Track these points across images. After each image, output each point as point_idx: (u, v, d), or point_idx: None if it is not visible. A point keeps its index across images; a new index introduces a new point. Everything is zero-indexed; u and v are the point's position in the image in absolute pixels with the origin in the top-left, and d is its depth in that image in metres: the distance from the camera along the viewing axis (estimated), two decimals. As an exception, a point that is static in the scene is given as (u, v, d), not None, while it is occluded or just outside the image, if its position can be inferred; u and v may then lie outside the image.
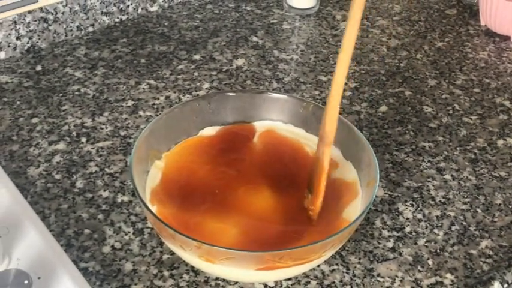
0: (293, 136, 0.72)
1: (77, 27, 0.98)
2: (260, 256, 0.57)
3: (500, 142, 0.83)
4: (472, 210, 0.74)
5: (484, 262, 0.68)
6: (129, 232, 0.69)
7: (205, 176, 0.67)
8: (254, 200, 0.65)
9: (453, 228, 0.72)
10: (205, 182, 0.67)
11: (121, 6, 1.01)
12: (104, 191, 0.73)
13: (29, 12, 0.92)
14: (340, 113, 0.83)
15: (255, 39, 1.00)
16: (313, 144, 0.71)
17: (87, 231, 0.69)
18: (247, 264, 0.58)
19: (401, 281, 0.66)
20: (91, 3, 0.98)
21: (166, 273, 0.65)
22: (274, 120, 0.74)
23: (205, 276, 0.65)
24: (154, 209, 0.63)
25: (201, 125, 0.73)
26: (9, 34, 0.92)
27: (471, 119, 0.87)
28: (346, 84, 0.91)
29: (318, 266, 0.66)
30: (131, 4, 1.02)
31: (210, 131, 0.72)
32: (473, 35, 1.04)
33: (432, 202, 0.74)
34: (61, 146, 0.79)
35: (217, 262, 0.58)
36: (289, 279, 0.64)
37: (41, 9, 0.93)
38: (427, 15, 1.09)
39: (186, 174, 0.68)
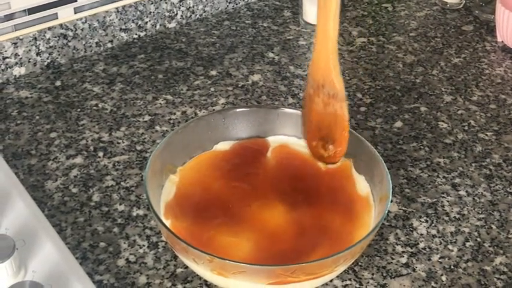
0: (306, 151, 0.73)
1: (96, 43, 1.00)
2: (272, 270, 0.58)
3: (516, 158, 0.83)
4: (486, 227, 0.74)
5: (498, 279, 0.68)
6: (143, 245, 0.70)
7: (219, 190, 0.68)
8: (267, 214, 0.66)
9: (467, 244, 0.71)
10: (219, 197, 0.67)
11: (139, 22, 1.03)
12: (120, 204, 0.74)
13: (49, 28, 0.94)
14: (355, 128, 0.84)
15: (271, 55, 1.01)
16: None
17: (102, 244, 0.70)
18: (259, 279, 0.58)
19: (414, 296, 0.66)
20: (110, 20, 0.99)
21: (179, 287, 0.65)
22: (288, 136, 0.74)
23: (218, 290, 0.65)
24: (168, 222, 0.64)
25: (216, 140, 0.73)
26: (30, 50, 0.94)
27: (487, 135, 0.87)
28: (361, 100, 0.92)
29: (331, 281, 0.66)
30: (149, 21, 1.04)
31: (224, 146, 0.73)
32: (490, 51, 1.04)
33: (446, 218, 0.74)
34: (78, 160, 0.80)
35: (229, 276, 0.58)
36: (302, 293, 0.65)
37: (61, 25, 0.95)
38: (444, 31, 1.09)
39: (200, 188, 0.68)
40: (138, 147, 0.83)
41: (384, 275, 0.68)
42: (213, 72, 0.97)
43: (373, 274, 0.67)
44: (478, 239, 0.72)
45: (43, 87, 0.93)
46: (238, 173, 0.70)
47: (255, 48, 1.03)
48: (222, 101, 0.91)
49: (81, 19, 0.97)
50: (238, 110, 0.74)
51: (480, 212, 0.75)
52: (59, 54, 0.97)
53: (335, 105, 0.68)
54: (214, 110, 0.89)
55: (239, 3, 1.14)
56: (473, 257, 0.70)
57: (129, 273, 0.67)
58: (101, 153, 0.81)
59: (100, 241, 0.70)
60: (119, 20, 1.00)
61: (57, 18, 0.95)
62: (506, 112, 0.91)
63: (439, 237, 0.72)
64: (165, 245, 0.70)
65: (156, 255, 0.69)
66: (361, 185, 0.69)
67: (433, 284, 0.67)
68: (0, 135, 0.84)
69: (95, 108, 0.89)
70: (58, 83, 0.94)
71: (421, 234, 0.72)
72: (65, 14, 0.95)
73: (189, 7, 1.07)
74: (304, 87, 0.70)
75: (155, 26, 1.05)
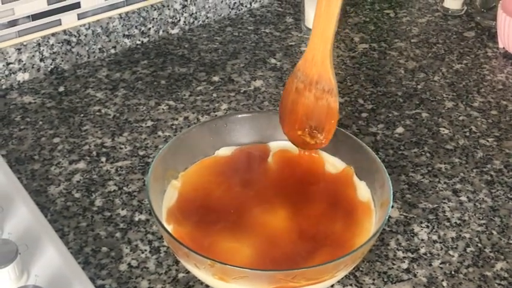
0: (307, 156, 0.73)
1: (99, 49, 1.00)
2: (273, 275, 0.58)
3: (517, 164, 0.83)
4: (487, 232, 0.74)
5: (499, 284, 0.68)
6: (145, 250, 0.70)
7: (221, 195, 0.68)
8: (268, 219, 0.66)
9: (468, 250, 0.72)
10: (220, 202, 0.68)
11: (142, 29, 1.04)
12: (122, 209, 0.75)
13: (53, 34, 0.95)
14: (356, 134, 0.84)
15: (273, 61, 1.02)
16: (328, 163, 0.72)
17: (104, 249, 0.70)
18: (260, 284, 0.59)
19: (415, 302, 0.66)
20: (113, 26, 1.00)
21: (181, 292, 0.66)
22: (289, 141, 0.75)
23: (220, 295, 0.65)
24: (170, 228, 0.64)
25: (218, 145, 0.74)
26: (33, 56, 0.94)
27: (488, 141, 0.87)
28: (362, 105, 0.92)
29: (332, 286, 0.66)
30: (152, 27, 1.04)
31: (226, 151, 0.73)
32: (491, 57, 1.04)
33: (447, 224, 0.75)
34: (81, 165, 0.81)
35: (230, 281, 0.59)
36: (303, 298, 0.65)
37: (65, 31, 0.96)
38: (445, 37, 1.09)
39: (202, 194, 0.69)
40: (141, 153, 0.83)
41: (385, 280, 0.68)
42: (216, 78, 0.97)
43: (374, 279, 0.68)
44: (479, 245, 0.72)
45: (46, 93, 0.93)
46: (239, 179, 0.70)
47: (257, 54, 1.03)
48: (224, 106, 0.91)
49: (84, 25, 0.97)
50: (240, 115, 0.75)
51: (481, 218, 0.75)
52: (62, 60, 0.97)
53: (329, 99, 0.70)
54: (216, 115, 0.90)
55: (242, 9, 1.14)
56: (474, 262, 0.70)
57: (131, 278, 0.67)
58: (103, 159, 0.82)
59: (102, 246, 0.70)
60: (122, 26, 1.01)
61: (60, 24, 0.96)
62: (507, 118, 0.91)
63: (440, 242, 0.72)
64: (167, 250, 0.70)
65: (158, 260, 0.69)
66: (362, 190, 0.69)
67: (433, 289, 0.67)
68: (4, 140, 0.84)
69: (97, 113, 0.89)
70: (61, 89, 0.94)
71: (422, 240, 0.72)
72: (69, 20, 0.96)
73: (192, 13, 1.08)
74: (289, 81, 0.72)
75: (158, 32, 1.06)
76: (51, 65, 0.97)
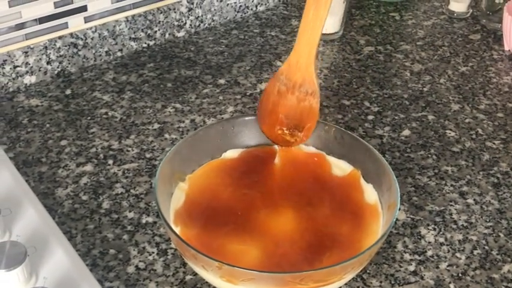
0: (315, 159, 0.73)
1: (106, 52, 1.01)
2: (281, 277, 0.58)
3: (523, 166, 0.83)
4: (494, 235, 0.74)
5: (506, 286, 0.68)
6: (153, 252, 0.70)
7: (228, 198, 0.68)
8: (276, 221, 0.66)
9: (475, 252, 0.72)
10: (227, 204, 0.68)
11: (149, 32, 1.04)
12: (129, 212, 0.75)
13: (60, 37, 0.95)
14: (362, 137, 0.84)
15: (279, 63, 1.02)
16: (335, 166, 0.72)
17: (112, 251, 0.70)
18: (268, 285, 0.59)
19: (422, 304, 0.66)
20: (119, 29, 1.00)
21: (188, 294, 0.66)
22: (296, 144, 0.75)
23: (227, 297, 0.65)
24: (177, 230, 0.64)
25: (224, 148, 0.74)
26: (40, 59, 0.95)
27: (494, 143, 0.87)
28: (369, 108, 0.92)
29: (339, 288, 0.67)
30: (159, 30, 1.05)
31: (232, 154, 0.74)
32: (497, 60, 1.05)
33: (454, 226, 0.75)
34: (88, 167, 0.81)
35: (238, 283, 0.59)
36: (310, 301, 0.65)
37: (71, 34, 0.96)
38: (451, 40, 1.10)
39: (209, 196, 0.69)
40: (148, 155, 0.83)
41: (392, 282, 0.68)
42: (222, 81, 0.98)
43: (381, 282, 0.68)
44: (486, 247, 0.72)
45: (53, 96, 0.93)
46: (246, 181, 0.70)
47: (263, 57, 1.03)
48: (231, 109, 0.92)
49: (91, 28, 0.98)
50: (246, 118, 0.75)
51: (488, 220, 0.75)
52: (69, 63, 0.98)
53: (311, 101, 0.72)
54: (222, 118, 0.90)
55: (247, 12, 1.14)
56: (481, 265, 0.70)
57: (139, 280, 0.67)
58: (110, 161, 0.82)
59: (110, 248, 0.70)
60: (129, 29, 1.01)
61: (67, 27, 0.96)
62: (513, 120, 0.91)
63: (447, 245, 0.72)
64: (174, 252, 0.70)
65: (165, 262, 0.69)
66: (369, 193, 0.69)
67: (441, 291, 0.67)
68: (11, 143, 0.85)
69: (104, 116, 0.90)
70: (68, 92, 0.95)
71: (429, 242, 0.72)
72: (75, 23, 0.96)
73: (198, 16, 1.08)
74: (270, 84, 0.73)
75: (164, 35, 1.06)
76: (58, 67, 0.97)
